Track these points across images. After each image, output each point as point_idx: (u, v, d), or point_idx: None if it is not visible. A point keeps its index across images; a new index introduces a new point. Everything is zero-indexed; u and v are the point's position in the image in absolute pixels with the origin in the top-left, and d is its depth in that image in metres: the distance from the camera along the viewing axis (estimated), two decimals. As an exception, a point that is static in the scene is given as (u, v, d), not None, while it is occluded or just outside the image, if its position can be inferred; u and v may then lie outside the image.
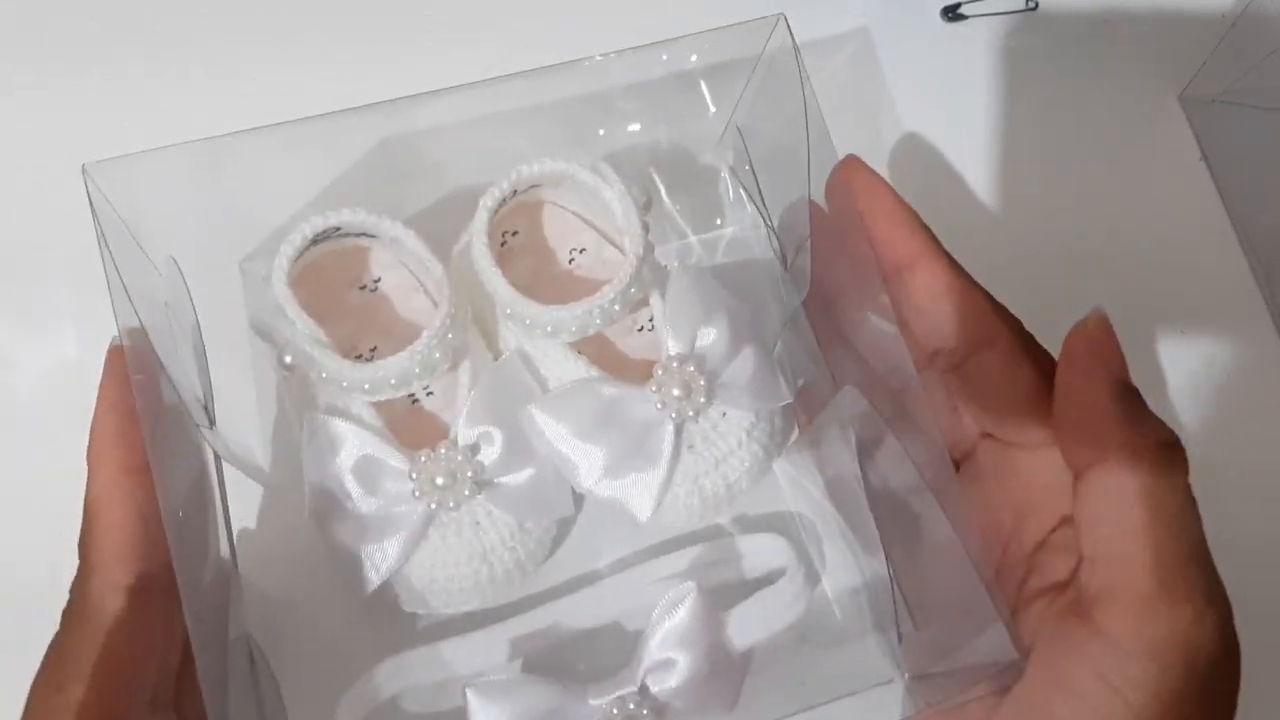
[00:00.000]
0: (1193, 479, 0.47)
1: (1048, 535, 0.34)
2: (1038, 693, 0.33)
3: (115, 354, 0.33)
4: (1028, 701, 0.33)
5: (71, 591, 0.33)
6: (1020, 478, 0.35)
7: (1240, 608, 0.45)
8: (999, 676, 0.33)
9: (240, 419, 0.43)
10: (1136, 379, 0.50)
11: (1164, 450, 0.31)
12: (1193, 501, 0.31)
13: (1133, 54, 0.57)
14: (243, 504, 0.42)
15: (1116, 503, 0.31)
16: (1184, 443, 0.48)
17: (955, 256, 0.52)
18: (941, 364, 0.36)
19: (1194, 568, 0.30)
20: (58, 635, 0.32)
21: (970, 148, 0.54)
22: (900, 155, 0.54)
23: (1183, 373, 0.52)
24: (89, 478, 0.33)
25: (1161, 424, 0.31)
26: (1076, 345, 0.32)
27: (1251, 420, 0.51)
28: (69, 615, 0.33)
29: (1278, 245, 0.53)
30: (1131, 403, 0.31)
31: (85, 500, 0.33)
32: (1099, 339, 0.32)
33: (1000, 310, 0.35)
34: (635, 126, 0.48)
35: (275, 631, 0.40)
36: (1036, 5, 0.56)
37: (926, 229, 0.36)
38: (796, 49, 0.38)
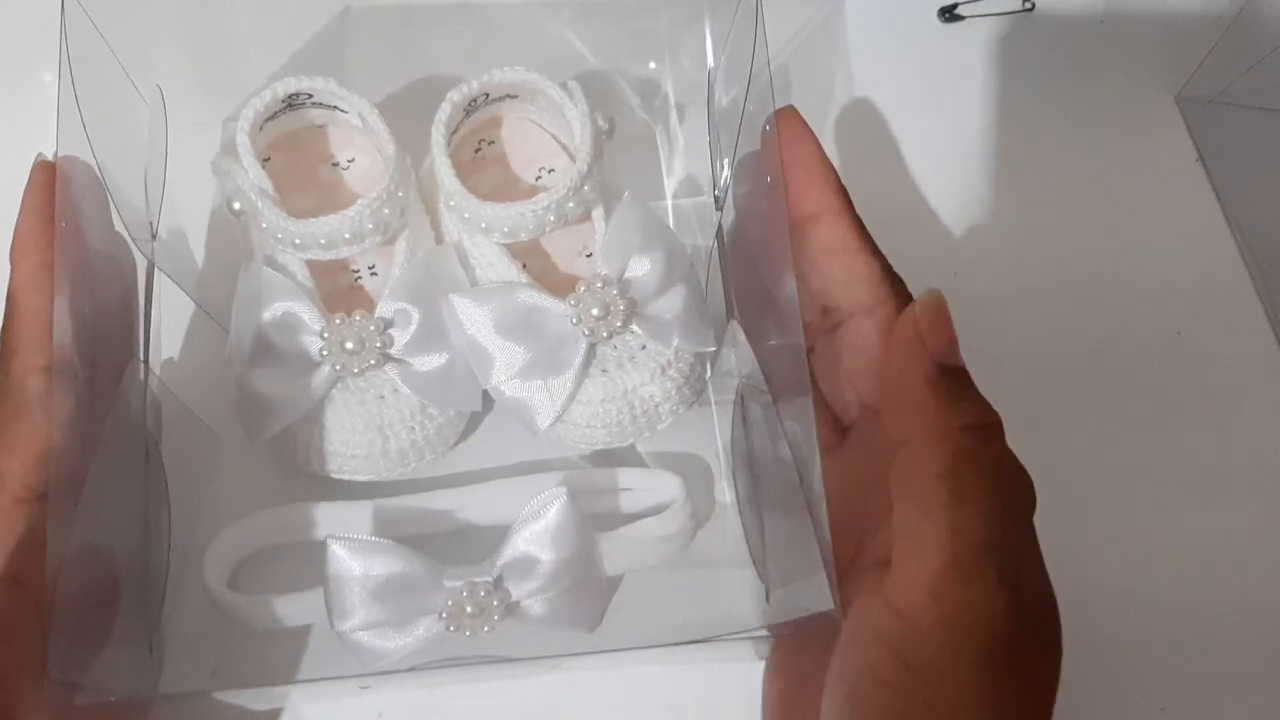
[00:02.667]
0: (1189, 478, 0.48)
1: (889, 510, 0.35)
2: (848, 667, 0.33)
3: (43, 167, 0.35)
4: (840, 677, 0.33)
5: None
6: (881, 449, 0.35)
7: (1240, 606, 0.46)
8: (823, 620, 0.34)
9: (194, 254, 0.45)
10: (1133, 379, 0.51)
11: (970, 433, 0.31)
12: (1003, 483, 0.31)
13: (1130, 55, 0.57)
14: (181, 335, 0.45)
15: (920, 482, 0.31)
16: (1180, 443, 0.49)
17: (950, 257, 0.52)
18: (828, 321, 0.37)
19: (991, 549, 0.30)
20: None
21: (967, 148, 0.54)
22: (898, 156, 0.54)
23: (1179, 374, 0.51)
24: (12, 272, 0.35)
25: (977, 406, 0.32)
26: (903, 326, 0.32)
27: (1248, 420, 0.51)
28: None
29: (1274, 245, 0.53)
30: (948, 384, 0.32)
31: (8, 292, 0.35)
32: (925, 320, 0.32)
33: (891, 278, 0.35)
34: (649, 63, 0.50)
35: (193, 453, 0.43)
36: (1033, 6, 0.56)
37: (840, 186, 0.36)
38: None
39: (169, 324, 0.44)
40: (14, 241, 0.35)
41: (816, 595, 0.34)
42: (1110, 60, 0.57)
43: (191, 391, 0.43)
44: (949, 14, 0.56)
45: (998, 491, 0.31)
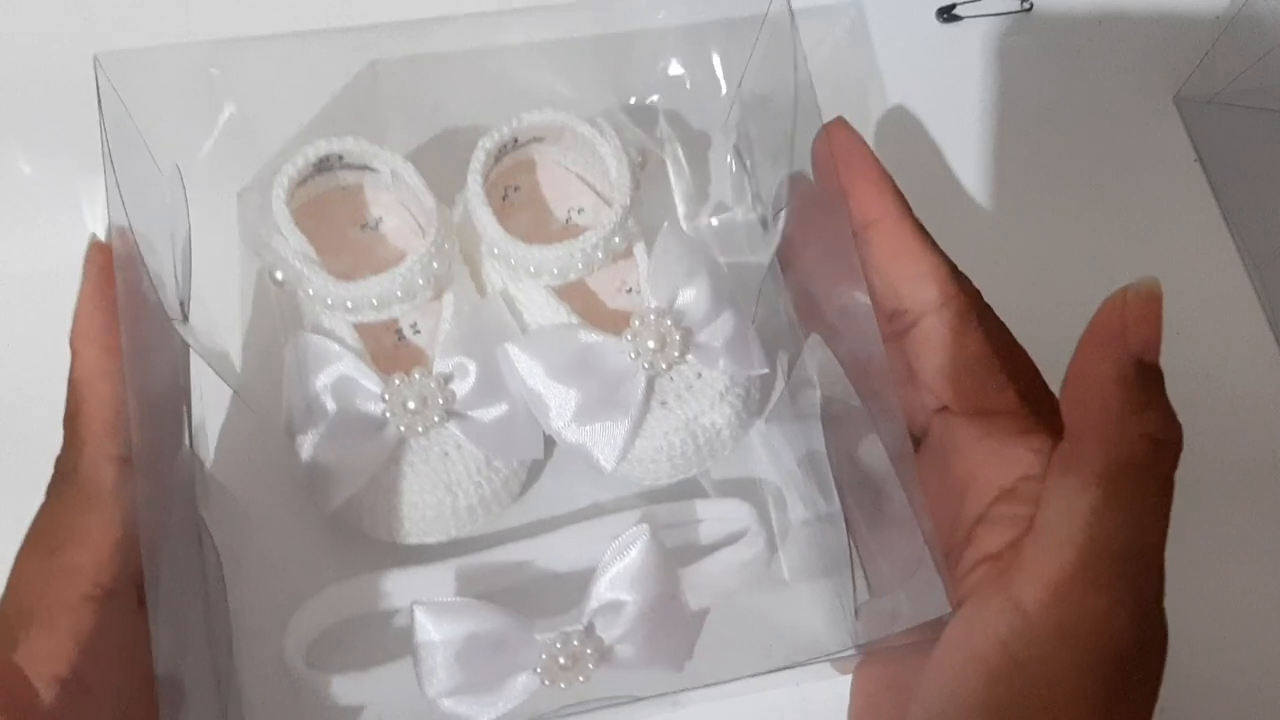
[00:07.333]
0: (1187, 478, 0.47)
1: (986, 509, 0.34)
2: (953, 659, 0.32)
3: (98, 248, 0.34)
4: (944, 667, 0.33)
5: (58, 465, 0.34)
6: (963, 450, 0.35)
7: (1239, 606, 0.46)
8: (933, 628, 0.33)
9: (223, 333, 0.44)
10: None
11: (1145, 443, 0.30)
12: (1161, 503, 0.30)
13: (1128, 55, 0.57)
14: (223, 413, 0.43)
15: (1077, 480, 0.30)
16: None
17: (949, 256, 0.53)
18: (897, 325, 0.36)
19: (1127, 562, 0.29)
20: (46, 504, 0.33)
21: (965, 148, 0.55)
22: (895, 156, 0.53)
23: (1177, 374, 0.51)
24: (74, 358, 0.34)
25: (1162, 417, 0.30)
26: (1109, 311, 0.31)
27: (1247, 421, 0.51)
28: (58, 486, 0.33)
29: (1272, 245, 0.53)
30: (1137, 386, 0.30)
31: (71, 380, 0.34)
32: (1136, 308, 0.30)
33: (958, 276, 0.35)
34: (654, 97, 0.50)
35: (236, 535, 0.41)
36: (1031, 6, 0.57)
37: (897, 191, 0.36)
38: (792, 17, 0.38)
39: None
40: (75, 326, 0.34)
41: (930, 601, 0.33)
42: (1108, 60, 0.57)
43: (231, 473, 0.42)
44: (947, 14, 0.56)
45: (1152, 509, 0.30)
